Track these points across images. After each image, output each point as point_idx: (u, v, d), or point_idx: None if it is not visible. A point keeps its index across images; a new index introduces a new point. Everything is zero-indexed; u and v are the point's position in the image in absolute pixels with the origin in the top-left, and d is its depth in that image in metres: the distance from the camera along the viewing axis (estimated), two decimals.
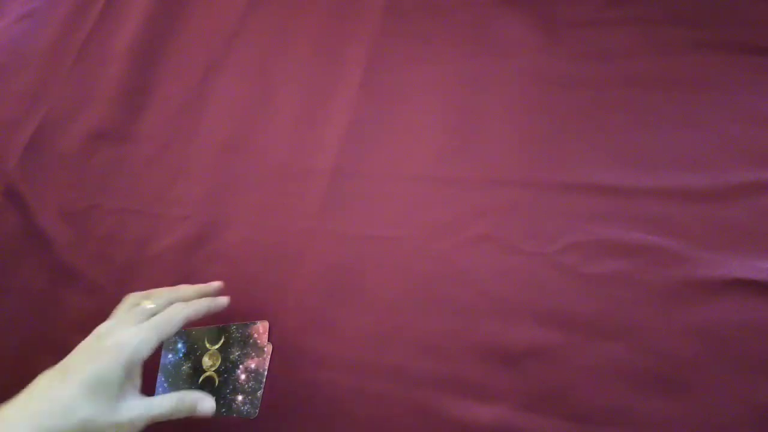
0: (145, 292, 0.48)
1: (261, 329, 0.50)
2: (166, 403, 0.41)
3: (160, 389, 0.50)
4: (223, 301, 0.48)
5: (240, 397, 0.48)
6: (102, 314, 0.56)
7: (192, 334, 0.52)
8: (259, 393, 0.48)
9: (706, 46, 0.49)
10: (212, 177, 0.60)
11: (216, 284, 0.50)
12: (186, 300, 0.46)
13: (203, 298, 0.47)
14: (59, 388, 0.39)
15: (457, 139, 0.53)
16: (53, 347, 0.57)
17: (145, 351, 0.41)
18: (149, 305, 0.45)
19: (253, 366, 0.49)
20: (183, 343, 0.51)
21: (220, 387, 0.49)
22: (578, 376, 0.42)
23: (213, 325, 0.51)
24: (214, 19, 0.69)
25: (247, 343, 0.50)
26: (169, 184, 0.61)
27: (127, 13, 0.73)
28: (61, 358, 0.55)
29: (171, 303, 0.46)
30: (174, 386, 0.50)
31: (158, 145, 0.64)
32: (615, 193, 0.47)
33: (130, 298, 0.47)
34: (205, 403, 0.44)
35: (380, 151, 0.55)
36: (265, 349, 0.49)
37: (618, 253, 0.45)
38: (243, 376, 0.49)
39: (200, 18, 0.70)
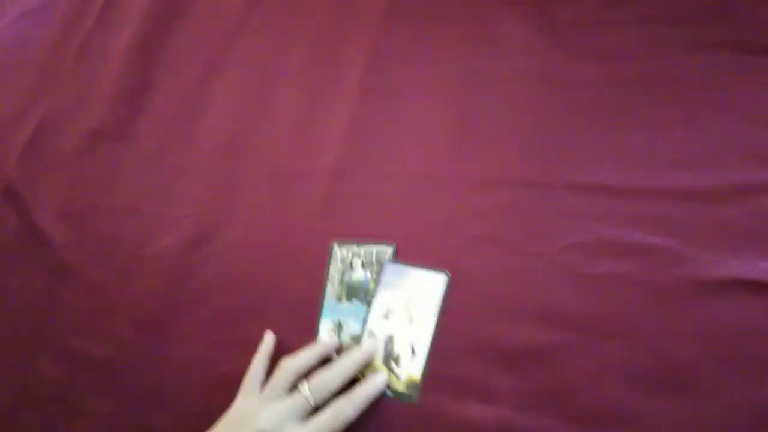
0: (300, 359, 0.46)
1: None
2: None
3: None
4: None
5: None
6: (102, 314, 0.56)
7: None
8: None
9: (706, 46, 0.49)
10: (212, 177, 0.60)
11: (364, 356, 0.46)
12: (342, 381, 0.45)
13: (364, 388, 0.44)
14: None
15: (458, 138, 0.53)
16: (53, 347, 0.57)
17: None
18: (313, 399, 0.43)
19: None
20: None
21: None
22: (578, 376, 0.42)
23: None
24: (214, 18, 0.69)
25: None
26: (169, 183, 0.61)
27: (127, 11, 0.73)
28: (61, 359, 0.56)
29: (330, 394, 0.44)
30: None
31: (158, 144, 0.63)
32: (615, 193, 0.47)
33: (289, 368, 0.45)
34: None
35: (380, 151, 0.55)
36: None
37: (618, 253, 0.45)
38: None
39: (200, 17, 0.70)
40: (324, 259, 0.52)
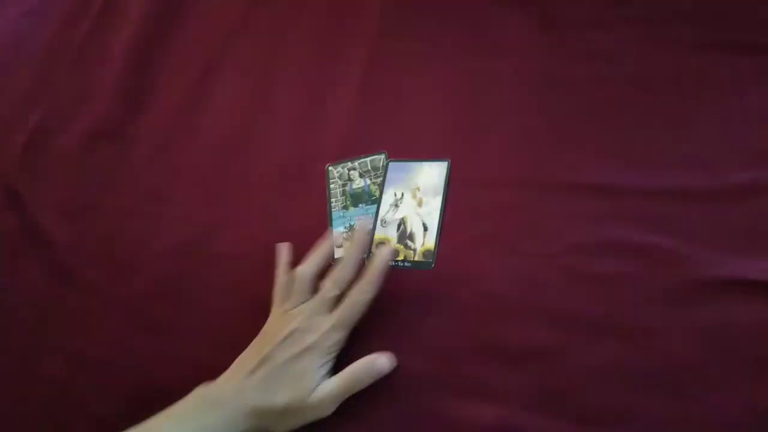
0: (311, 263, 0.49)
1: None
2: (346, 377, 0.44)
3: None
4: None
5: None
6: (102, 314, 0.56)
7: None
8: None
9: (706, 46, 0.49)
10: (212, 176, 0.60)
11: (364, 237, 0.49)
12: (353, 265, 0.47)
13: (372, 266, 0.47)
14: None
15: (458, 138, 0.53)
16: (53, 347, 0.57)
17: (339, 347, 0.46)
18: (334, 291, 0.46)
19: None
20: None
21: None
22: (578, 376, 0.42)
23: None
24: (214, 18, 0.69)
25: None
26: (169, 183, 0.61)
27: (126, 11, 0.73)
28: (61, 359, 0.56)
29: (348, 281, 0.47)
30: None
31: (158, 144, 0.63)
32: (615, 193, 0.47)
33: (304, 275, 0.48)
34: (381, 360, 0.45)
35: (379, 150, 0.55)
36: None
37: (618, 253, 0.45)
38: None
39: (199, 17, 0.70)
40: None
